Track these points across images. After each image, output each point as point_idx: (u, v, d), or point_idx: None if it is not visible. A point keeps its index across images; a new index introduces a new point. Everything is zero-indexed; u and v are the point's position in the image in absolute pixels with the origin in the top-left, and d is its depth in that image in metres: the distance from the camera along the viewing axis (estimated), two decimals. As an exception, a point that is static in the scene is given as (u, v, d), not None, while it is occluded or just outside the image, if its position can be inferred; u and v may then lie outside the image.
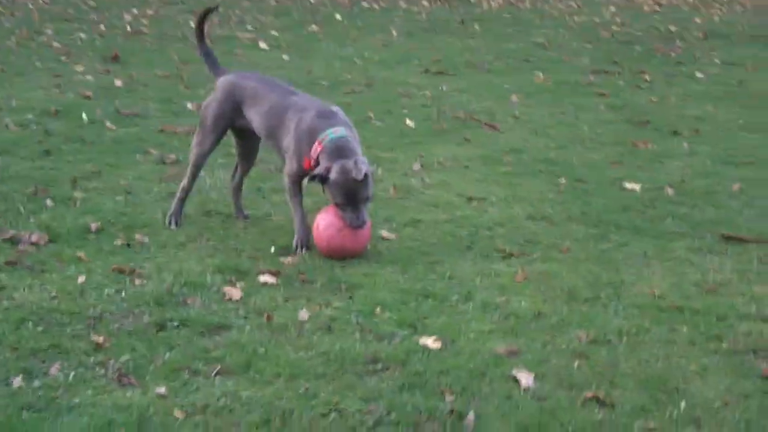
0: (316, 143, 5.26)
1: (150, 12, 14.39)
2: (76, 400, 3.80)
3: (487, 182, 6.91)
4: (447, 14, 15.54)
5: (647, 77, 10.86)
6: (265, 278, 5.03)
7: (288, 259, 5.31)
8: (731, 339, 4.58)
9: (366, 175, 5.18)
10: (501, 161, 7.42)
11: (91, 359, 4.13)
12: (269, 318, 4.56)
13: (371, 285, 5.01)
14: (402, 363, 4.21)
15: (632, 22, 14.98)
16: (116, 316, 4.55)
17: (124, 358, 4.14)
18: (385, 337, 4.46)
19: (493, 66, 11.35)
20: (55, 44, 11.55)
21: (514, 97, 9.57)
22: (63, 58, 10.75)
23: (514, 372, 4.15)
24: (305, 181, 5.33)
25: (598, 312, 4.83)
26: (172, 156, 7.18)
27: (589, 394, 4.02)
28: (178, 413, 3.74)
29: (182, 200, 5.82)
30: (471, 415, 3.79)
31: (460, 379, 4.09)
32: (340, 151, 5.21)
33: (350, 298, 4.85)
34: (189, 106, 8.76)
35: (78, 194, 6.24)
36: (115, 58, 10.74)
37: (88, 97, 8.88)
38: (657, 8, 16.63)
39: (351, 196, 5.20)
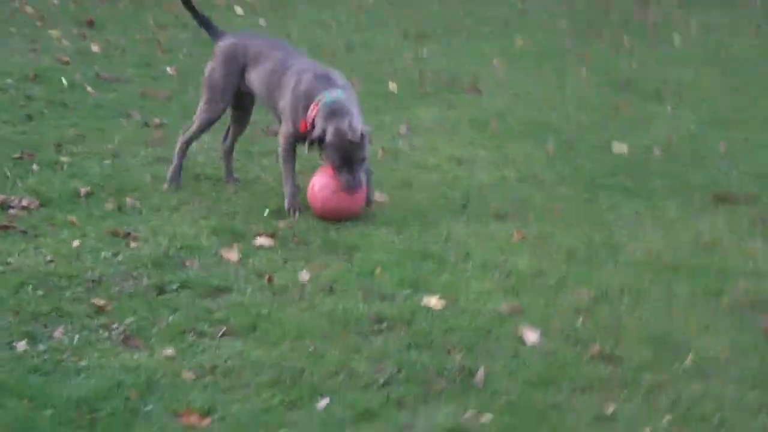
0: (312, 105, 5.22)
1: (121, -23, 14.19)
2: (83, 363, 3.76)
3: (475, 145, 6.90)
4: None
5: (626, 42, 10.86)
6: (261, 240, 5.00)
7: (282, 223, 5.27)
8: (730, 296, 4.61)
9: (362, 136, 5.14)
10: (487, 124, 7.41)
11: (95, 322, 4.09)
12: (270, 280, 4.53)
13: (368, 246, 4.99)
14: (407, 322, 4.21)
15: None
16: (115, 279, 4.51)
17: (128, 320, 4.11)
18: (388, 297, 4.45)
19: (472, 30, 11.30)
20: (29, 9, 11.38)
21: (495, 62, 9.54)
22: (38, 23, 10.58)
23: (519, 330, 4.14)
24: (305, 148, 5.27)
25: (596, 271, 4.84)
26: (156, 120, 7.11)
27: (594, 349, 4.03)
28: (186, 374, 3.71)
29: (182, 157, 5.81)
30: (481, 372, 3.79)
31: (466, 338, 4.09)
32: (335, 113, 5.18)
33: (349, 259, 4.83)
34: (168, 70, 8.67)
35: (64, 158, 6.16)
36: (91, 23, 10.59)
37: (65, 62, 8.75)
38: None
39: (346, 158, 5.17)
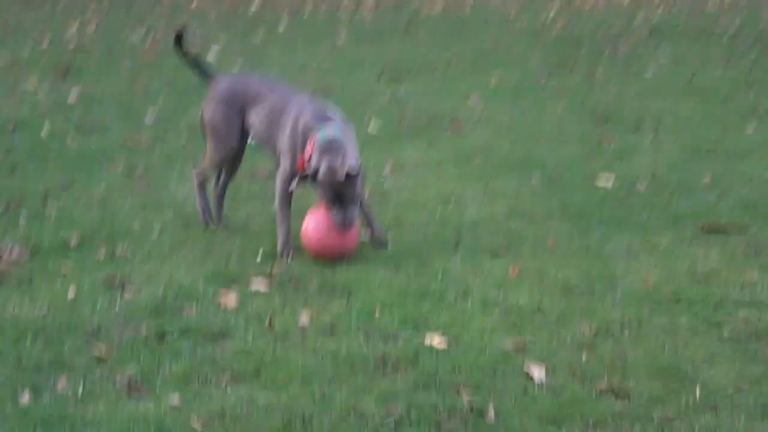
0: (309, 143, 5.21)
1: (92, 26, 14.19)
2: (90, 415, 3.71)
3: (462, 182, 6.90)
4: (390, 20, 15.53)
5: (599, 76, 10.93)
6: (257, 285, 4.98)
7: (277, 267, 5.24)
8: (732, 326, 4.61)
9: (352, 176, 5.12)
10: (471, 161, 7.41)
11: (98, 372, 4.04)
12: (271, 324, 4.49)
13: (366, 287, 4.97)
14: (412, 363, 4.18)
15: (575, 23, 15.08)
16: (114, 328, 4.47)
17: (131, 369, 4.06)
18: (390, 338, 4.42)
19: (445, 68, 11.35)
20: (1, 59, 11.35)
21: (473, 99, 9.57)
22: (11, 74, 10.55)
23: (526, 366, 4.12)
24: (293, 183, 5.25)
25: (596, 305, 4.83)
26: (140, 168, 7.08)
27: (602, 385, 4.02)
28: (196, 423, 3.66)
29: (204, 191, 5.84)
30: (491, 411, 3.77)
31: (473, 376, 4.07)
32: (329, 149, 5.17)
33: (348, 300, 4.80)
34: (148, 118, 8.64)
35: (51, 209, 6.12)
36: (66, 73, 10.57)
37: (44, 113, 8.72)
38: (596, 9, 16.77)
39: (338, 195, 5.15)
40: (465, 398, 3.87)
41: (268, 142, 5.53)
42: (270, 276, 5.06)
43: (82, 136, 7.94)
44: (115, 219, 5.98)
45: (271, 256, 5.39)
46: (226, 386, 3.95)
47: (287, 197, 5.40)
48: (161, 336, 4.37)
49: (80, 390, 3.88)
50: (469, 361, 4.19)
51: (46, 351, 4.20)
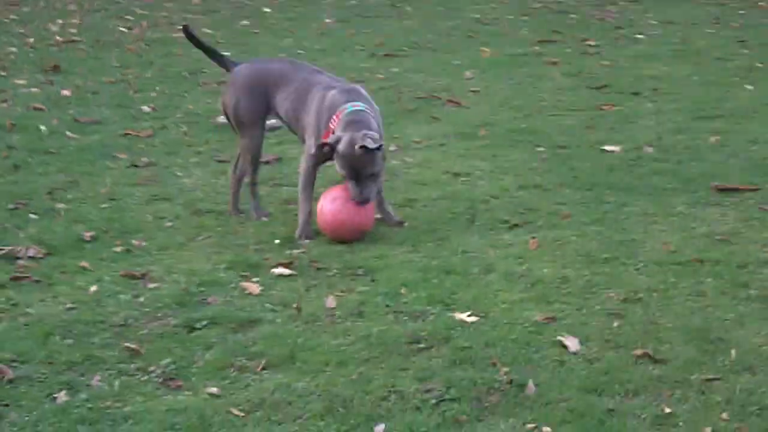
0: (335, 116, 5.19)
1: (75, 21, 14.06)
2: (128, 409, 3.68)
3: (469, 157, 6.88)
4: (376, -2, 15.46)
5: (592, 43, 10.91)
6: (279, 270, 4.95)
7: (296, 251, 5.22)
8: (758, 286, 4.61)
9: (372, 150, 5.10)
10: (476, 135, 7.39)
11: (131, 366, 4.01)
12: (299, 309, 4.46)
13: (388, 266, 4.95)
14: (444, 339, 4.16)
15: (561, -8, 15.04)
16: (141, 321, 4.43)
17: (164, 361, 4.03)
18: (419, 316, 4.41)
19: (436, 44, 11.31)
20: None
21: (467, 73, 9.54)
22: (1, 73, 10.45)
23: (559, 337, 4.12)
24: (314, 147, 5.25)
25: (620, 272, 4.83)
26: (144, 159, 7.03)
27: (638, 351, 4.01)
28: (236, 411, 3.64)
29: (255, 193, 5.75)
30: (531, 384, 3.76)
31: (508, 350, 4.06)
32: (353, 123, 5.16)
33: (372, 281, 4.78)
34: (145, 108, 8.58)
35: (60, 205, 6.07)
36: (55, 69, 10.47)
37: (40, 109, 8.64)
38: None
39: (356, 169, 5.13)
40: (502, 372, 3.85)
41: (295, 123, 5.51)
42: (291, 261, 5.03)
43: (81, 131, 7.86)
44: (125, 212, 5.93)
45: (288, 240, 5.36)
46: (262, 373, 3.93)
47: (311, 177, 5.40)
48: (190, 327, 4.34)
49: (116, 385, 3.85)
50: (501, 335, 4.18)
51: (76, 348, 4.16)
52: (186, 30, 5.87)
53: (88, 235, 5.51)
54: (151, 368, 3.99)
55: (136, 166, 6.90)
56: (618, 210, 5.70)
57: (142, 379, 3.92)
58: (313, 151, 5.33)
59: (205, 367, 3.99)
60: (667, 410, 3.59)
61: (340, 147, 5.11)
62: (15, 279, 4.91)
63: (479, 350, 4.05)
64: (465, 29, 12.26)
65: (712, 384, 3.77)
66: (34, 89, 9.51)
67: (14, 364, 4.02)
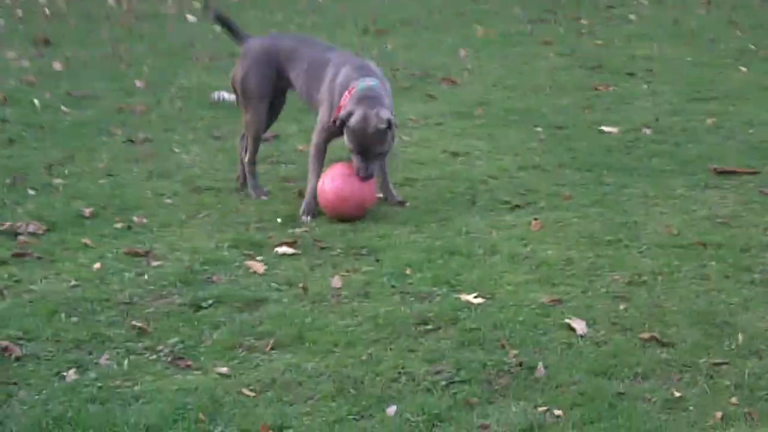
0: (347, 92, 5.19)
1: (63, -8, 13.95)
2: (138, 388, 3.68)
3: (466, 136, 6.87)
4: (365, -26, 15.38)
5: (584, 22, 10.90)
6: (283, 249, 4.94)
7: (299, 230, 5.21)
8: (761, 270, 4.63)
9: (383, 128, 5.09)
10: (472, 115, 7.38)
11: (138, 345, 4.00)
12: (305, 288, 4.46)
13: (392, 247, 4.95)
14: (452, 321, 4.17)
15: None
16: (146, 299, 4.42)
17: (172, 340, 4.03)
18: (425, 297, 4.41)
19: (429, 22, 11.28)
20: (-22, 32, 11.17)
21: (462, 51, 9.52)
22: (-9, 46, 10.38)
23: (567, 319, 4.13)
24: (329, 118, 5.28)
25: (623, 254, 4.84)
26: (140, 135, 6.99)
27: (645, 335, 4.03)
28: (247, 391, 3.64)
29: (254, 173, 5.73)
30: (540, 366, 3.77)
31: (516, 332, 4.07)
32: (366, 99, 5.18)
33: (377, 261, 4.78)
34: (137, 83, 8.54)
35: (57, 180, 6.04)
36: (46, 42, 10.40)
37: (31, 83, 8.58)
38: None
39: (366, 145, 5.13)
40: (511, 354, 3.86)
41: (308, 98, 5.53)
42: (294, 240, 5.02)
43: (75, 105, 7.82)
44: (124, 189, 5.91)
45: (290, 219, 5.35)
46: (271, 353, 3.92)
47: (321, 151, 5.43)
48: (196, 305, 4.33)
49: (125, 364, 3.84)
50: (508, 317, 4.19)
51: (83, 326, 4.15)
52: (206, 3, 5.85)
53: (87, 211, 5.49)
54: (159, 347, 3.98)
55: (132, 141, 6.87)
56: (618, 192, 5.71)
57: (150, 358, 3.91)
58: (325, 123, 5.32)
59: (213, 346, 3.98)
60: (677, 394, 3.61)
61: (352, 121, 5.12)
62: (17, 255, 4.90)
63: (487, 332, 4.06)
64: (456, 7, 12.23)
65: (720, 368, 3.79)
66: (24, 62, 9.45)
67: (20, 342, 4.02)
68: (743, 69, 8.70)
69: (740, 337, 3.99)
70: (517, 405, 3.56)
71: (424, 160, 6.38)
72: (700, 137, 6.71)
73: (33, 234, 5.19)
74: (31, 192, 5.83)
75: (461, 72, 8.78)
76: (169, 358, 3.90)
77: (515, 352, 3.90)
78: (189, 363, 3.86)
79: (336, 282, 4.53)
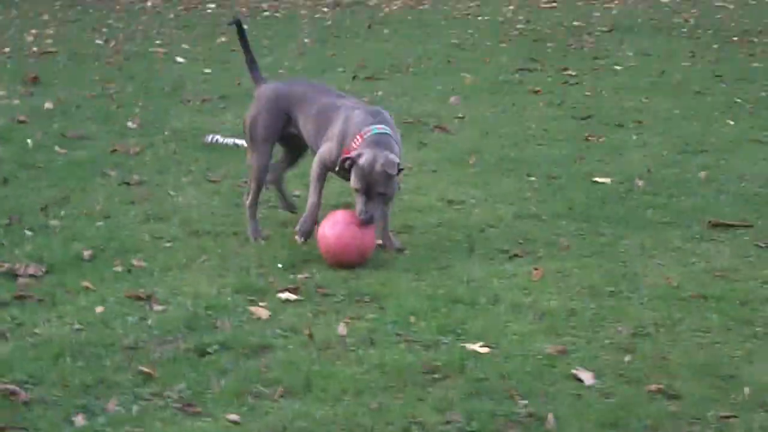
0: (359, 136, 5.23)
1: (50, 32, 13.97)
2: (149, 434, 3.66)
3: (461, 184, 6.91)
4: (351, 19, 15.50)
5: (572, 72, 11.00)
6: (285, 295, 4.94)
7: (300, 276, 5.22)
8: (762, 323, 4.67)
9: (390, 173, 5.17)
10: (466, 163, 7.42)
11: (146, 390, 3.99)
12: (311, 336, 4.46)
13: (394, 294, 4.96)
14: (459, 370, 4.18)
15: (536, 19, 15.16)
16: (151, 344, 4.41)
17: (179, 386, 4.01)
18: (431, 346, 4.42)
19: (417, 68, 11.35)
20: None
21: (453, 99, 9.58)
22: (-20, 84, 10.36)
23: (574, 370, 4.15)
24: (337, 166, 5.35)
25: (625, 305, 4.88)
26: (135, 177, 6.99)
27: (651, 386, 4.05)
28: (258, 439, 3.63)
29: (254, 216, 5.77)
30: (551, 417, 3.78)
31: (524, 382, 4.08)
32: (378, 143, 5.24)
33: (381, 308, 4.79)
34: (130, 124, 8.54)
35: (54, 222, 6.03)
36: (35, 80, 10.40)
37: (23, 122, 8.58)
38: (554, 4, 16.87)
39: (370, 185, 5.18)
40: (521, 404, 3.88)
41: (315, 143, 5.57)
42: (297, 286, 5.03)
43: (68, 145, 7.82)
44: (122, 230, 5.90)
45: (291, 264, 5.36)
46: (279, 400, 3.92)
47: (323, 177, 5.49)
48: (201, 351, 4.32)
49: (134, 409, 3.83)
50: (515, 367, 4.20)
51: (89, 370, 4.13)
52: (238, 24, 6.05)
53: (86, 253, 5.48)
54: (167, 393, 3.97)
55: (127, 183, 6.87)
56: (616, 242, 5.75)
57: (159, 404, 3.90)
58: (332, 151, 5.38)
59: (221, 393, 3.97)
60: (687, 447, 3.63)
61: (361, 161, 5.16)
62: (18, 298, 4.87)
63: (495, 382, 4.07)
64: (443, 54, 12.31)
65: (729, 421, 3.81)
66: (15, 101, 9.44)
67: (27, 386, 4.00)
68: (731, 122, 8.79)
69: (746, 390, 4.01)
70: (529, 456, 3.57)
71: (421, 207, 6.40)
72: (693, 190, 6.76)
73: (33, 276, 5.18)
74: (29, 233, 5.82)
75: (452, 119, 8.83)
76: (178, 404, 3.89)
77: (524, 402, 3.91)
78: (198, 409, 3.85)
79: (341, 329, 4.53)
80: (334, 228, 5.33)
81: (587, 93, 9.98)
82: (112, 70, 11.16)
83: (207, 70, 11.26)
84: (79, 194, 6.61)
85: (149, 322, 4.62)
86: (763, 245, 5.72)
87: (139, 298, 4.88)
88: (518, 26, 14.58)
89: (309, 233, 5.46)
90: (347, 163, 5.23)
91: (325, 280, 5.15)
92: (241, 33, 6.03)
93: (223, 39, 13.46)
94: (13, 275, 5.16)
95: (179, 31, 14.25)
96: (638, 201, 6.54)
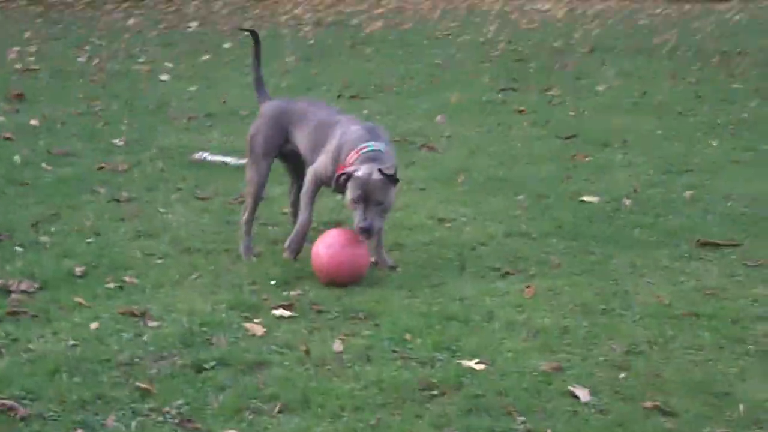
0: (354, 152, 5.25)
1: (32, 49, 13.95)
2: (149, 451, 3.66)
3: (450, 202, 6.95)
4: (334, 38, 15.56)
5: (555, 92, 11.08)
6: (279, 312, 4.95)
7: (293, 293, 5.23)
8: (754, 341, 4.71)
9: (388, 181, 5.20)
10: (454, 181, 7.47)
11: (144, 406, 3.98)
12: (307, 352, 4.47)
13: (389, 311, 4.98)
14: (456, 387, 4.19)
15: (517, 40, 15.26)
16: (147, 360, 4.40)
17: (177, 402, 4.01)
18: (427, 362, 4.44)
19: (401, 88, 11.40)
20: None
21: (438, 118, 9.63)
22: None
23: (570, 387, 4.17)
24: (332, 183, 5.38)
25: (617, 323, 4.91)
26: (124, 194, 7.00)
27: (647, 404, 4.07)
28: (259, 455, 3.63)
29: (249, 233, 5.80)
30: (549, 434, 3.80)
31: (521, 399, 4.10)
32: (375, 158, 5.29)
33: (376, 325, 4.81)
34: (117, 142, 8.55)
35: (44, 238, 6.02)
36: (19, 97, 10.39)
37: (9, 139, 8.57)
38: (534, 25, 17.00)
39: (368, 195, 5.19)
40: (519, 421, 3.90)
41: (312, 158, 5.60)
42: (291, 302, 5.04)
43: (55, 163, 7.81)
44: (112, 247, 5.90)
45: (283, 282, 5.37)
46: (278, 417, 3.93)
47: (317, 188, 5.52)
48: (198, 367, 4.32)
49: (133, 425, 3.82)
50: (511, 383, 4.22)
51: (85, 386, 4.12)
52: (255, 38, 6.07)
53: (78, 269, 5.47)
54: (165, 409, 3.96)
55: (117, 200, 6.87)
56: (605, 261, 5.79)
57: (158, 419, 3.89)
58: (327, 165, 5.42)
59: (220, 409, 3.97)
60: (684, 464, 3.66)
61: (358, 173, 5.18)
62: (11, 314, 4.86)
63: (492, 398, 4.09)
64: (426, 73, 12.39)
65: (725, 438, 3.85)
66: (0, 117, 9.42)
67: (24, 402, 3.98)
68: (714, 143, 8.87)
69: (741, 407, 4.05)
70: (528, 473, 3.59)
71: (411, 225, 6.43)
72: (679, 209, 6.82)
73: (25, 292, 5.16)
74: (19, 249, 5.81)
75: (439, 138, 8.88)
76: (177, 420, 3.88)
77: (522, 419, 3.93)
78: (198, 425, 3.85)
79: (337, 346, 4.54)
80: (329, 249, 5.34)
81: (571, 113, 10.06)
82: (96, 87, 11.16)
83: (191, 88, 11.29)
84: (69, 211, 6.60)
85: (144, 338, 4.61)
86: (751, 264, 5.76)
87: (133, 315, 4.87)
88: (499, 46, 14.69)
89: (298, 251, 5.49)
90: (343, 178, 5.25)
91: (319, 297, 5.16)
92: (256, 46, 6.04)
93: (206, 57, 13.51)
94: (5, 291, 5.14)
95: (162, 49, 14.26)
96: (626, 220, 6.59)
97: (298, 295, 5.19)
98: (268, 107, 5.88)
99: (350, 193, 5.26)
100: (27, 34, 15.25)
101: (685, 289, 5.38)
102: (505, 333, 4.76)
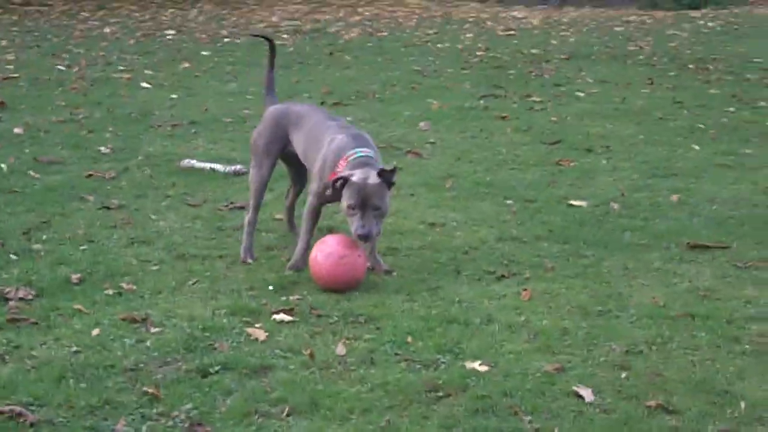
0: (342, 160, 5.29)
1: (10, 57, 13.90)
2: (161, 455, 3.67)
3: (440, 207, 6.99)
4: (311, 46, 15.59)
5: (536, 99, 11.15)
6: (280, 317, 4.98)
7: (292, 297, 5.26)
8: (749, 341, 4.78)
9: (384, 185, 5.24)
10: (442, 187, 7.51)
11: (152, 411, 4.00)
12: (312, 355, 4.50)
13: (389, 315, 5.02)
14: (461, 389, 4.24)
15: (495, 47, 15.34)
16: (152, 366, 4.42)
17: (186, 407, 4.03)
18: (431, 365, 4.48)
19: (383, 95, 11.44)
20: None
21: (422, 124, 9.68)
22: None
23: (574, 387, 4.22)
24: (322, 189, 5.44)
25: (615, 324, 4.97)
26: (114, 201, 7.00)
27: (650, 403, 4.13)
28: (271, 458, 3.66)
29: (251, 233, 5.87)
30: (557, 434, 3.85)
31: (526, 399, 4.15)
32: (365, 164, 5.35)
33: (378, 328, 4.84)
34: (103, 149, 8.54)
35: (37, 246, 6.02)
36: (1, 105, 10.35)
37: (-7, 146, 8.54)
38: (512, 32, 17.09)
39: (365, 199, 5.22)
40: (526, 421, 3.94)
41: (306, 160, 5.72)
42: (291, 307, 5.07)
43: (42, 170, 7.80)
44: (107, 254, 5.90)
45: (281, 287, 5.40)
46: (287, 420, 3.95)
47: (315, 214, 5.60)
48: (203, 372, 4.34)
49: (143, 430, 3.84)
50: (516, 384, 4.27)
51: (92, 391, 4.14)
52: (271, 45, 6.22)
53: (74, 277, 5.48)
54: (174, 413, 3.99)
55: (107, 207, 6.87)
56: (598, 264, 5.85)
57: (167, 424, 3.92)
58: (317, 190, 5.49)
59: (228, 412, 4.00)
60: (691, 461, 3.71)
61: (353, 178, 5.21)
62: (12, 321, 4.86)
63: (498, 399, 4.14)
64: (407, 81, 12.42)
65: (729, 436, 3.91)
66: (-17, 125, 9.39)
67: (32, 408, 4.00)
68: (696, 147, 8.96)
69: (742, 405, 4.11)
70: (539, 472, 3.63)
71: (404, 230, 6.47)
72: (667, 213, 6.90)
73: (23, 299, 5.17)
74: (13, 257, 5.81)
75: (424, 144, 8.92)
76: (187, 424, 3.91)
77: (529, 418, 3.98)
78: (207, 429, 3.87)
79: (340, 349, 4.58)
80: (328, 258, 5.35)
81: (553, 119, 10.12)
82: (77, 95, 11.14)
83: (173, 96, 11.28)
84: (60, 219, 6.60)
85: (147, 343, 4.63)
86: (741, 266, 5.84)
87: (134, 321, 4.89)
88: (478, 53, 14.76)
89: (301, 269, 5.53)
90: (339, 182, 5.28)
91: (318, 301, 5.19)
92: (272, 53, 6.16)
93: (186, 65, 13.49)
94: (3, 299, 5.15)
95: (140, 57, 14.23)
96: (615, 224, 6.65)
97: (298, 299, 5.22)
98: (271, 111, 5.99)
99: (347, 199, 5.28)
100: (3, 42, 15.19)
101: (679, 290, 5.45)
102: (505, 335, 4.81)
